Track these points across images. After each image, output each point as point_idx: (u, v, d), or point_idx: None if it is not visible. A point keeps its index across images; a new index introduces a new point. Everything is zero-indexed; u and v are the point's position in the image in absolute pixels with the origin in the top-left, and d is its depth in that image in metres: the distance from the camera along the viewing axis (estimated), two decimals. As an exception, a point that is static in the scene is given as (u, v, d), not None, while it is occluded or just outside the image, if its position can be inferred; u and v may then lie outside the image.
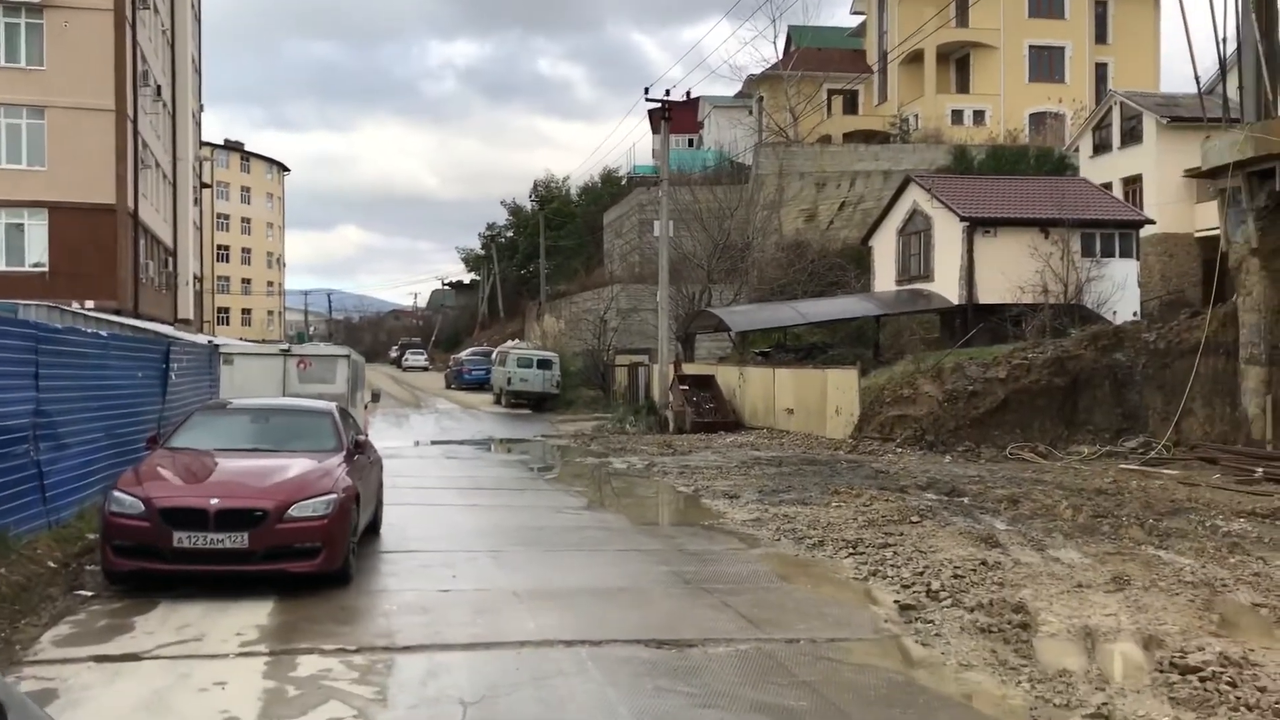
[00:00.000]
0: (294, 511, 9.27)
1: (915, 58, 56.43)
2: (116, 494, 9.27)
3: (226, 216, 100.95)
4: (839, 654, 7.62)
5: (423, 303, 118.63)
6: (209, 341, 23.41)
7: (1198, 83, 21.10)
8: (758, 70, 60.78)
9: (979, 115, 57.21)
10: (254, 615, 8.43)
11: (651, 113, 72.04)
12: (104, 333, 15.00)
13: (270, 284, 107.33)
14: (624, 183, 67.14)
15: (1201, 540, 11.51)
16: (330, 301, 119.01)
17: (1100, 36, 58.08)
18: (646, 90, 30.77)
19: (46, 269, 32.85)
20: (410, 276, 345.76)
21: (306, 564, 9.27)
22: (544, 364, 42.49)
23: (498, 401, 44.59)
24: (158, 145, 40.57)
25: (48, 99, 32.68)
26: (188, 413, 12.60)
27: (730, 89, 67.86)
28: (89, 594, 9.10)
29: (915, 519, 12.94)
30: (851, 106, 62.04)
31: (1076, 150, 46.27)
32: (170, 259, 44.33)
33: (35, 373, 10.88)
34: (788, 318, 34.12)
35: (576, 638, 7.87)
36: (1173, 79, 58.61)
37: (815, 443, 24.21)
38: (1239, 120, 20.85)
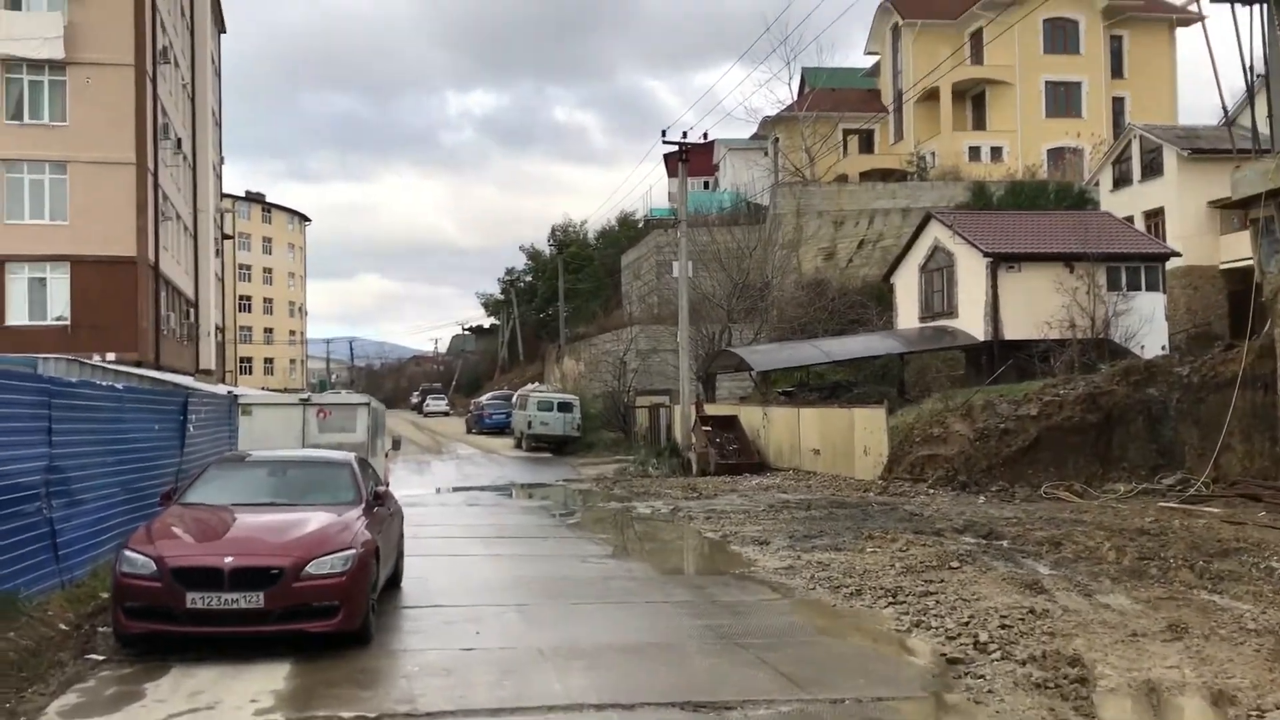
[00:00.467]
0: (311, 569, 8.92)
1: (931, 96, 56.39)
2: (127, 553, 8.95)
3: (249, 267, 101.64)
4: (888, 715, 7.20)
5: (443, 348, 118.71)
6: (228, 392, 23.21)
7: (1225, 111, 20.77)
8: (773, 112, 60.89)
9: (996, 152, 57.00)
10: (270, 679, 8.07)
11: (667, 156, 72.75)
12: (119, 385, 14.77)
13: (292, 333, 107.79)
14: (641, 225, 67.18)
15: (1257, 584, 11.01)
16: (352, 349, 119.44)
17: (1116, 71, 57.90)
18: (664, 132, 30.72)
19: (68, 322, 32.85)
20: (430, 322, 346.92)
21: (325, 624, 8.91)
22: (564, 407, 42.18)
23: (518, 445, 44.25)
24: (178, 197, 40.74)
25: (70, 154, 32.85)
26: (203, 466, 12.31)
27: (745, 131, 68.13)
28: (100, 658, 8.76)
29: (955, 564, 12.49)
30: (868, 146, 61.99)
31: (1097, 184, 45.91)
32: (191, 310, 44.38)
33: (48, 427, 10.63)
34: (810, 356, 33.73)
35: (607, 700, 7.47)
36: (1190, 112, 58.34)
37: (843, 484, 23.73)
38: (1268, 150, 20.48)
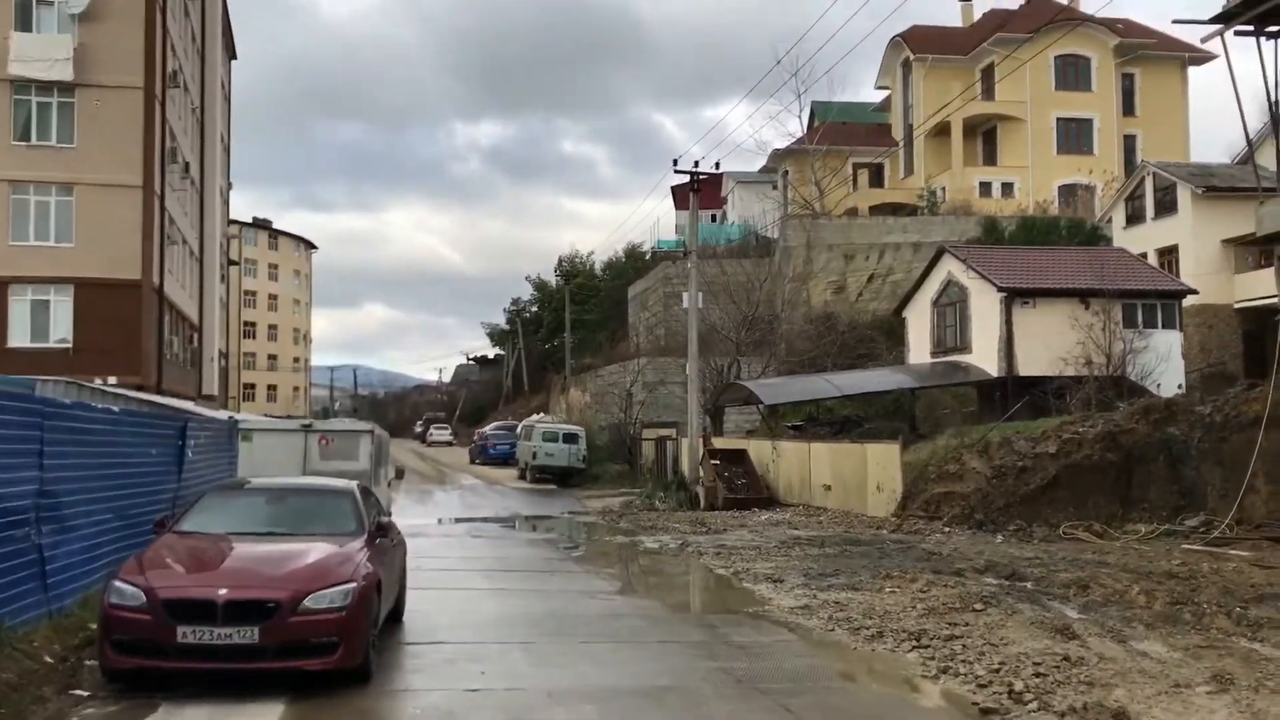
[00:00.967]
0: (310, 603, 8.47)
1: (941, 131, 56.24)
2: (117, 584, 8.51)
3: (254, 293, 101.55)
4: (922, 770, 6.72)
5: (447, 378, 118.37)
6: (229, 417, 22.81)
7: (1249, 144, 20.44)
8: (782, 145, 60.87)
9: (1007, 187, 56.79)
10: (263, 720, 7.61)
11: (675, 189, 72.72)
12: (115, 408, 14.36)
13: (296, 360, 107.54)
14: (648, 257, 66.99)
15: (1299, 632, 10.53)
16: (356, 377, 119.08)
17: (1128, 108, 57.79)
18: (675, 161, 30.34)
19: (71, 345, 32.49)
20: (435, 352, 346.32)
21: (323, 661, 8.45)
22: (569, 438, 41.67)
23: (522, 476, 43.72)
24: (185, 222, 40.53)
25: (77, 176, 32.62)
26: (200, 493, 11.88)
27: (754, 165, 67.97)
28: (85, 694, 8.30)
29: (979, 607, 12.00)
30: (878, 180, 61.80)
31: (1109, 221, 45.61)
32: (195, 335, 44.06)
33: (40, 450, 10.20)
34: (821, 390, 33.28)
35: (622, 749, 7.01)
36: (1201, 150, 58.15)
37: (856, 521, 23.22)
38: (1273, 190, 20.18)
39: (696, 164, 30.26)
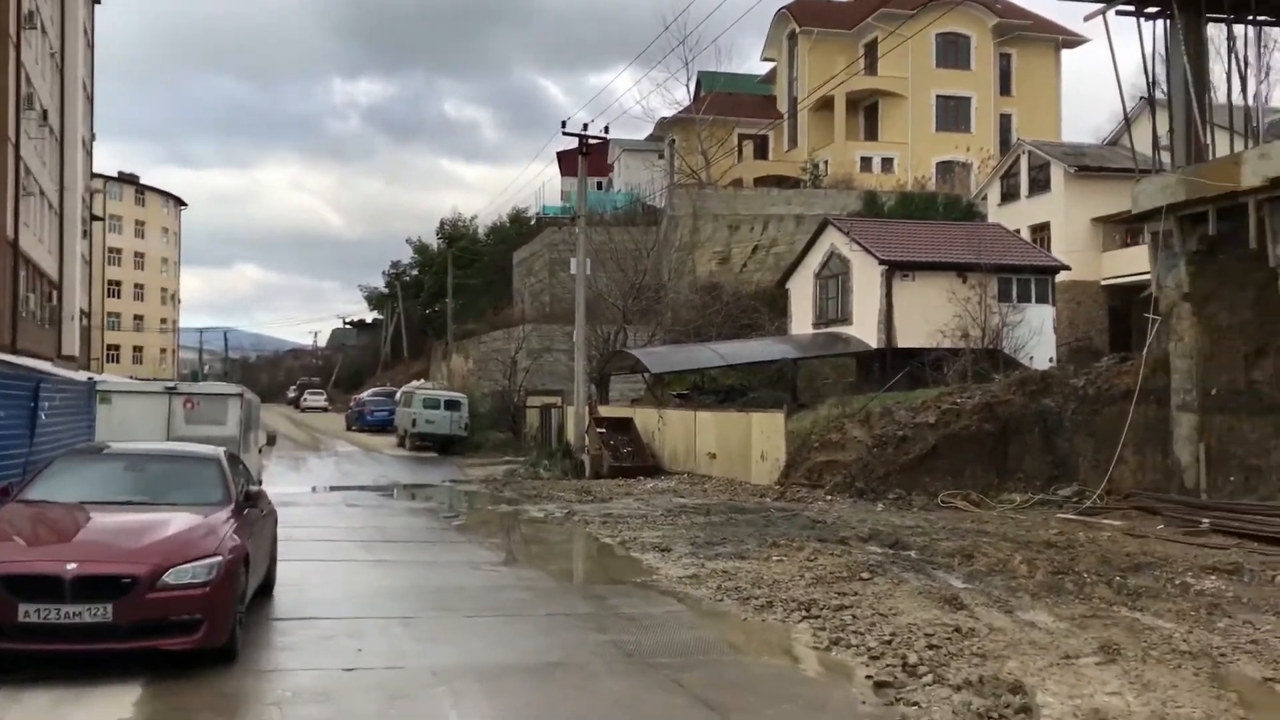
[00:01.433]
0: (170, 578, 7.84)
1: (825, 105, 56.69)
2: (-50, 559, 7.73)
3: (119, 251, 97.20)
4: (821, 748, 6.51)
5: (323, 342, 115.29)
6: (88, 379, 21.51)
7: (1127, 122, 20.89)
8: (669, 113, 60.60)
9: (887, 163, 57.66)
10: (116, 706, 7.00)
11: (561, 155, 71.84)
12: (-42, 367, 13.30)
13: (164, 321, 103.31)
14: (533, 223, 66.12)
15: (1176, 600, 10.73)
16: (227, 340, 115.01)
17: (1005, 88, 59.18)
18: (564, 123, 29.75)
19: (-88, 300, 30.37)
20: (311, 315, 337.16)
21: (184, 640, 7.83)
22: (451, 405, 40.80)
23: (401, 444, 42.72)
24: (43, 173, 38.19)
25: (-80, 119, 30.38)
26: (50, 459, 11.02)
27: (641, 132, 67.62)
28: (-87, 679, 7.53)
29: (865, 575, 11.95)
30: (762, 152, 62.08)
31: (984, 198, 46.68)
32: (54, 292, 41.71)
33: None
34: (706, 359, 33.25)
35: (511, 731, 6.63)
36: (1071, 131, 59.96)
37: (740, 489, 23.21)
38: (1149, 171, 20.70)
39: (585, 126, 29.75)
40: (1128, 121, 20.91)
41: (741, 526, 16.71)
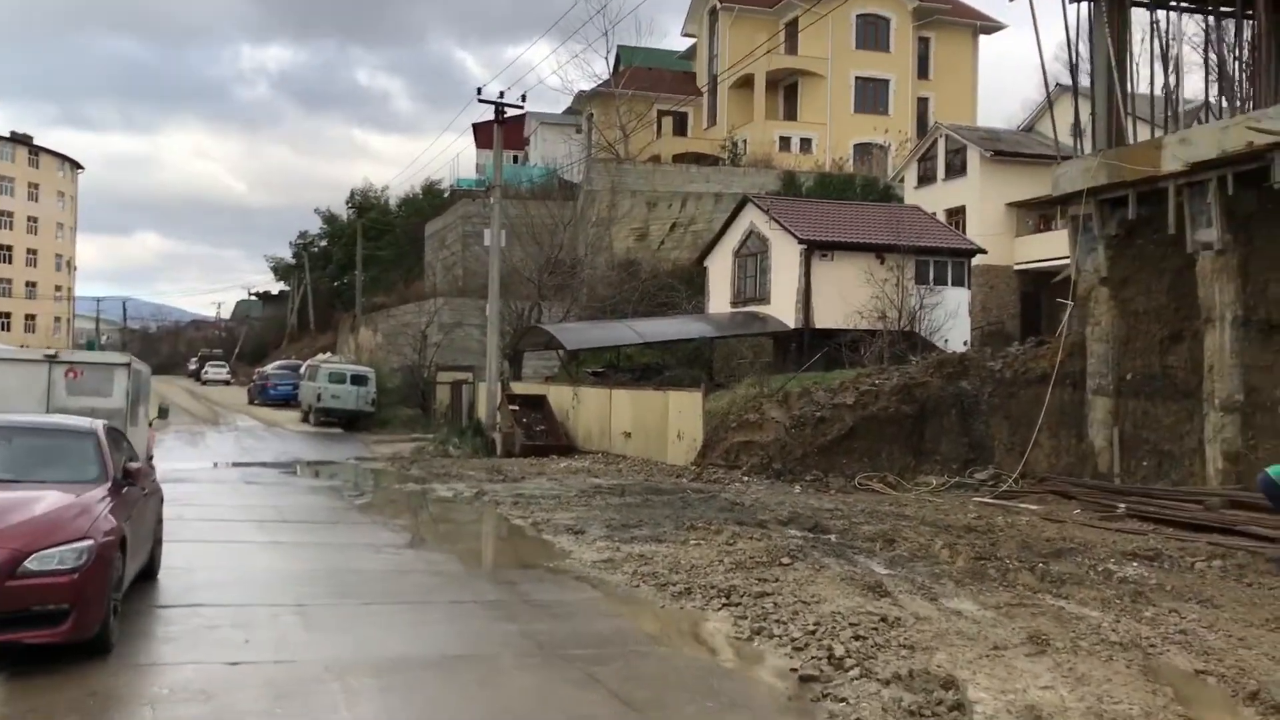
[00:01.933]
0: (33, 564, 7.10)
1: (745, 83, 56.43)
2: None
3: (10, 214, 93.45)
4: (747, 751, 6.05)
5: (227, 313, 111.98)
6: (-35, 346, 20.16)
7: (1049, 104, 20.85)
8: (588, 86, 59.75)
9: (806, 143, 57.58)
10: (-37, 709, 6.24)
11: (476, 126, 70.40)
12: None
13: (59, 289, 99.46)
14: (446, 195, 64.78)
15: (1099, 588, 10.53)
16: (125, 309, 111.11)
17: (922, 72, 59.51)
18: (479, 90, 28.87)
19: None
20: (214, 285, 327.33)
21: (49, 632, 7.10)
22: (358, 380, 39.60)
23: (305, 419, 41.37)
24: (-79, 125, 36.02)
25: None
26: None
27: (558, 106, 66.71)
28: None
29: (786, 560, 11.56)
30: (681, 128, 61.57)
31: (901, 181, 46.91)
32: (-67, 254, 39.52)
33: None
34: (623, 336, 32.74)
35: (409, 735, 6.04)
36: (986, 117, 60.51)
37: (656, 469, 22.78)
38: (1069, 156, 20.72)
39: (502, 94, 28.90)
40: (1050, 102, 20.88)
41: (658, 508, 16.25)
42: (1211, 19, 20.95)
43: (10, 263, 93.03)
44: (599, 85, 58.53)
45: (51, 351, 15.88)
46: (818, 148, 56.84)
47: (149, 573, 10.03)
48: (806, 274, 31.44)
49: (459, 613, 9.52)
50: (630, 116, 53.41)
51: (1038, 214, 39.88)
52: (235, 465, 24.52)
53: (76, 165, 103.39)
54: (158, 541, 10.47)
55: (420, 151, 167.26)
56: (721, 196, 47.30)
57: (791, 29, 56.04)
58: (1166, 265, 18.34)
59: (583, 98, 60.55)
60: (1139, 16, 20.64)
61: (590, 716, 6.58)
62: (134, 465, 9.49)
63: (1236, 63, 19.88)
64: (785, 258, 32.16)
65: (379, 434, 35.92)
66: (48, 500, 7.92)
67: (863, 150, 56.95)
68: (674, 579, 10.79)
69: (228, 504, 16.90)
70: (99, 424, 9.74)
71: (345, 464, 26.06)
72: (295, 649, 7.98)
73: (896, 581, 10.63)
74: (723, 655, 8.25)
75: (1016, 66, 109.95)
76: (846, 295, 30.54)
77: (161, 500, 10.97)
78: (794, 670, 7.61)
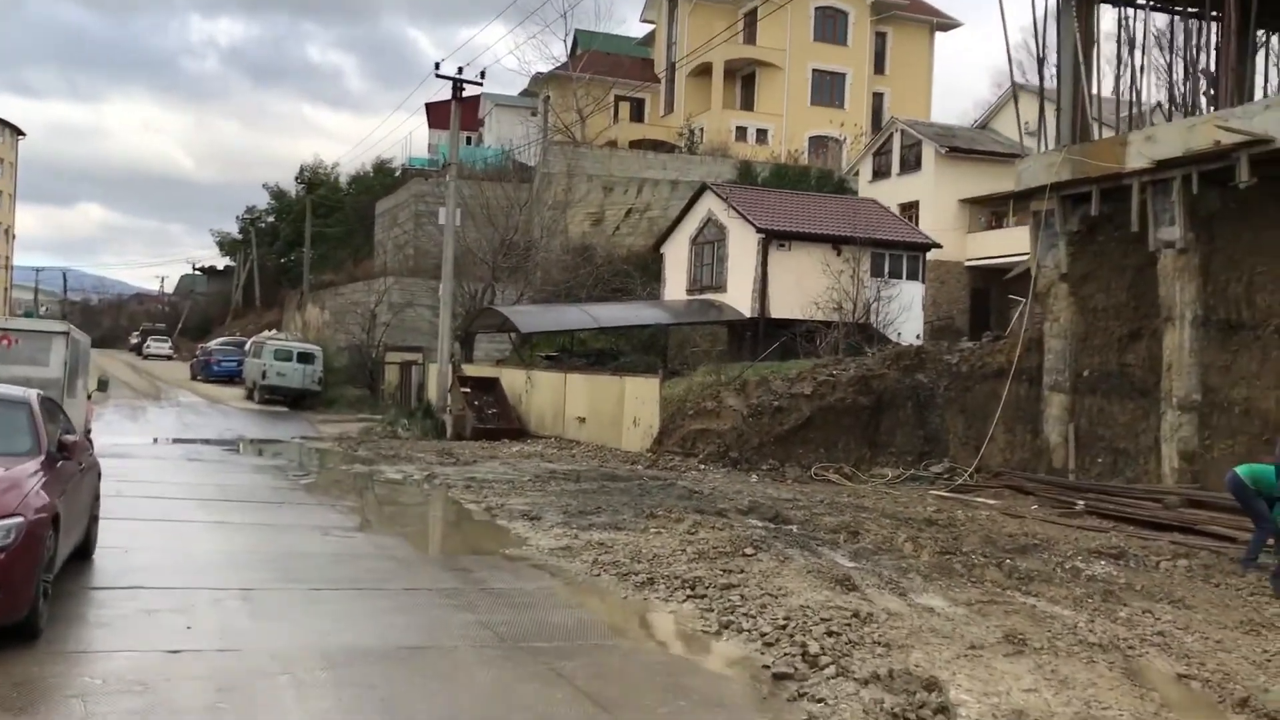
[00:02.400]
0: (-44, 541, 6.59)
1: (703, 71, 56.06)
2: None
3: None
4: (725, 754, 5.74)
5: (171, 288, 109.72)
6: (-109, 311, 19.28)
7: (1015, 98, 20.74)
8: (545, 68, 59.03)
9: (762, 134, 57.39)
10: (-125, 699, 5.74)
11: (430, 106, 69.34)
12: None
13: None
14: (398, 174, 63.75)
15: (1069, 586, 10.36)
16: (66, 281, 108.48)
17: (879, 67, 59.53)
18: (438, 65, 28.26)
19: None
20: (159, 258, 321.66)
21: (-29, 615, 6.60)
22: (305, 358, 38.79)
23: (250, 397, 40.48)
24: None
25: None
26: None
27: (514, 88, 65.88)
28: None
29: (750, 551, 11.28)
30: (639, 115, 61.10)
31: (856, 174, 46.87)
32: None
33: None
34: (578, 321, 32.32)
35: (365, 733, 5.65)
36: (940, 115, 60.84)
37: (611, 455, 22.43)
38: (1028, 153, 20.66)
39: (460, 70, 28.31)
40: (1015, 96, 20.78)
41: (615, 495, 15.90)
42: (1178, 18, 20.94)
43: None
44: (556, 68, 57.85)
45: (-16, 318, 15.17)
46: (774, 138, 56.67)
47: (84, 552, 9.52)
48: (764, 263, 31.21)
49: (413, 601, 9.10)
50: (587, 100, 52.82)
51: (990, 211, 40.02)
52: (177, 441, 23.78)
53: (18, 131, 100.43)
54: (94, 519, 9.95)
55: (372, 129, 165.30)
56: (678, 184, 46.99)
57: (750, 19, 55.74)
58: (1127, 263, 18.32)
59: (539, 80, 59.82)
60: (1106, 15, 20.58)
61: (555, 714, 6.22)
62: (70, 438, 8.95)
63: (1205, 61, 19.86)
64: (743, 246, 31.91)
65: (325, 413, 35.20)
66: (-26, 473, 7.40)
67: (818, 142, 56.87)
68: (636, 568, 10.46)
69: (169, 481, 16.27)
70: (33, 394, 9.18)
71: (290, 443, 25.42)
72: (240, 637, 7.54)
73: (863, 575, 10.39)
74: (691, 649, 7.94)
75: (971, 65, 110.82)
76: (803, 285, 30.36)
77: (99, 476, 10.43)
78: (767, 667, 7.31)
